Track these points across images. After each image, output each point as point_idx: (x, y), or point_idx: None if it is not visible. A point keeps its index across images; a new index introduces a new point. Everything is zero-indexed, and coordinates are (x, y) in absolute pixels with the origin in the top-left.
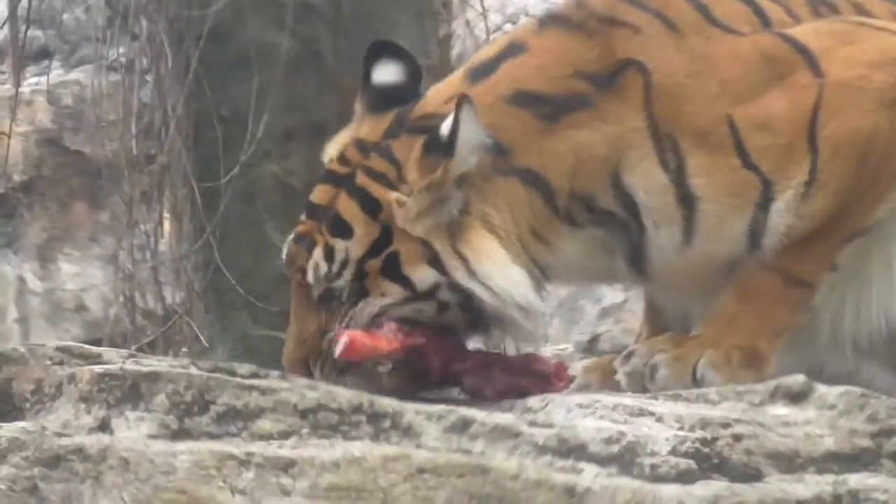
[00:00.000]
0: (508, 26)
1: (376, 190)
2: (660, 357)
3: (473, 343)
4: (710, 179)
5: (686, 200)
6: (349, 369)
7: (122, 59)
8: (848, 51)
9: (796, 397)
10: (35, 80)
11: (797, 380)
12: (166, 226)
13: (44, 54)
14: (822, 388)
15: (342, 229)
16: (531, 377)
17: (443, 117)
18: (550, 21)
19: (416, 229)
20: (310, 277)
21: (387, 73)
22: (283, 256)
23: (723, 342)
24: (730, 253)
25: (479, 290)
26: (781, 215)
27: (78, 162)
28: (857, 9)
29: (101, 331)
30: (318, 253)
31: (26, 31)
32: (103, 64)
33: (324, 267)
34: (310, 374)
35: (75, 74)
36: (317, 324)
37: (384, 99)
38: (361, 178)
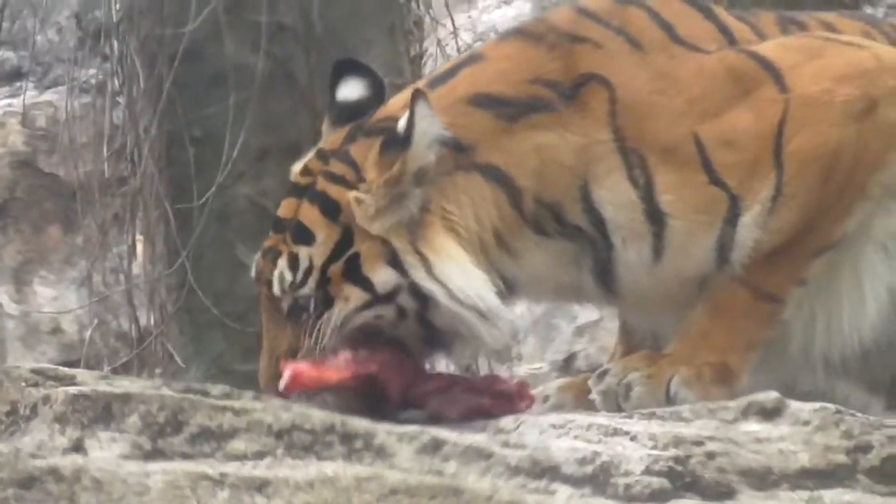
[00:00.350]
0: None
1: (335, 192)
2: (634, 375)
3: (435, 366)
4: (678, 196)
5: (655, 217)
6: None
7: (94, 81)
8: (814, 65)
9: (769, 413)
10: (8, 101)
11: (770, 396)
12: (139, 248)
13: (16, 76)
14: (795, 405)
15: (304, 236)
16: (494, 397)
17: (396, 120)
18: (510, 34)
19: (375, 227)
20: (276, 289)
21: (350, 89)
22: (252, 274)
23: (695, 359)
24: (699, 269)
25: (437, 291)
26: (749, 230)
27: (52, 184)
28: (828, 28)
29: (77, 353)
30: (282, 263)
31: None
32: (75, 85)
33: (288, 276)
34: (285, 394)
35: (48, 96)
36: (288, 339)
37: (348, 114)
38: (321, 184)
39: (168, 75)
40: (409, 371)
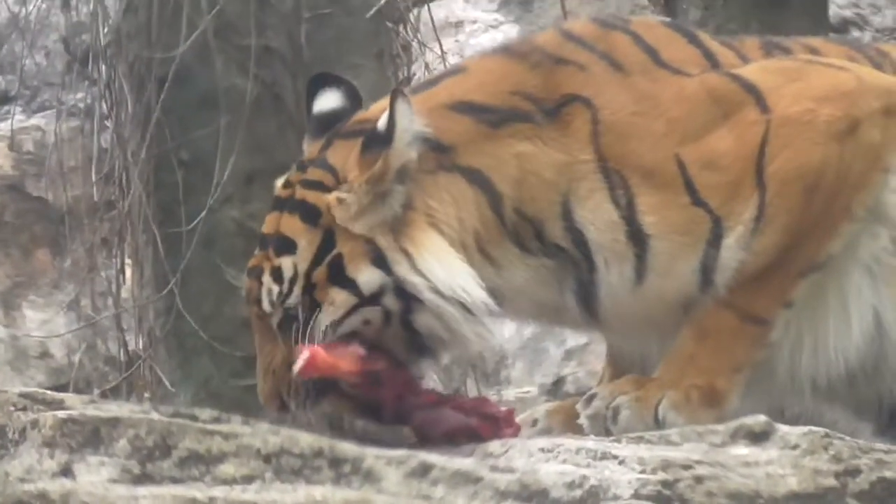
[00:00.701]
0: None
1: (313, 197)
2: (622, 399)
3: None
4: (660, 217)
5: (637, 238)
6: (323, 398)
7: (82, 105)
8: (795, 87)
9: (758, 437)
10: None
11: (758, 420)
12: (128, 272)
13: (4, 100)
14: (784, 428)
15: (286, 246)
16: (482, 419)
17: (374, 122)
18: (494, 50)
19: (358, 226)
20: (265, 305)
21: (326, 101)
22: (243, 294)
23: (682, 382)
24: (682, 291)
25: (420, 285)
26: (733, 251)
27: (40, 208)
28: (812, 52)
29: (65, 377)
30: (266, 278)
31: None
32: (63, 109)
33: (275, 289)
34: (285, 407)
35: (36, 120)
36: (281, 354)
37: (325, 124)
38: (300, 192)
39: (156, 99)
40: (403, 382)
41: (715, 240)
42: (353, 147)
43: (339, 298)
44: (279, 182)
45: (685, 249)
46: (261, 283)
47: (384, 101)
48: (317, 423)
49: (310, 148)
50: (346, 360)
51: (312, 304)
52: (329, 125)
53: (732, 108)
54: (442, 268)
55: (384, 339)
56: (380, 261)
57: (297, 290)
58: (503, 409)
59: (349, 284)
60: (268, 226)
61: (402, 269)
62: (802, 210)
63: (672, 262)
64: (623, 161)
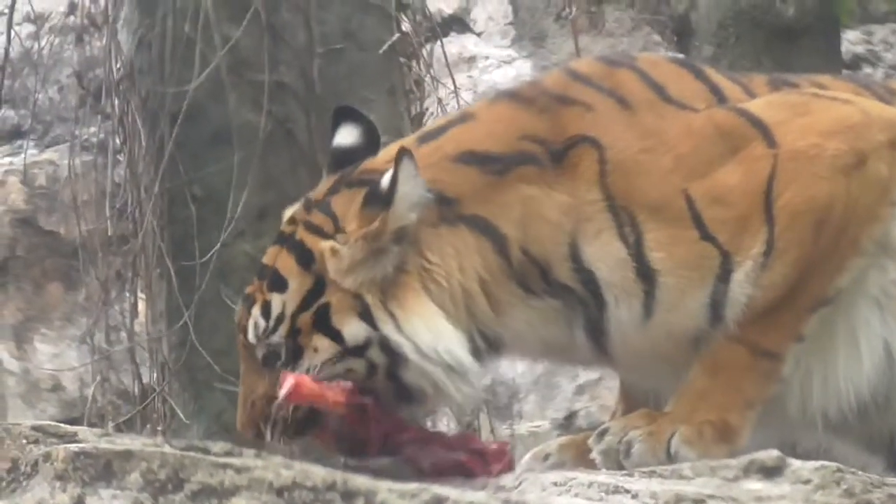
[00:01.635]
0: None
1: (311, 241)
2: (634, 434)
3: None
4: (669, 252)
5: (646, 274)
6: (302, 433)
7: (95, 139)
8: (802, 121)
9: (770, 472)
10: (8, 160)
11: (771, 455)
12: (141, 306)
13: (17, 134)
14: (796, 463)
15: (278, 283)
16: (470, 454)
17: (382, 173)
18: (501, 96)
19: (348, 281)
20: (250, 336)
21: (345, 135)
22: (236, 319)
23: (694, 417)
24: (692, 326)
25: (405, 346)
26: (742, 286)
27: (52, 242)
28: (820, 89)
29: (77, 410)
30: (255, 311)
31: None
32: (76, 143)
33: (262, 323)
34: (262, 436)
35: (48, 154)
36: (263, 386)
37: (342, 160)
38: (300, 233)
39: (169, 134)
40: (390, 418)
41: (724, 275)
42: (356, 197)
43: (322, 346)
44: (287, 214)
45: (694, 284)
46: (249, 315)
47: (393, 149)
48: (300, 454)
49: (322, 184)
50: (333, 391)
51: (296, 348)
52: (345, 161)
53: (740, 142)
54: (425, 331)
55: (369, 386)
56: (366, 316)
57: (282, 329)
58: (496, 443)
59: (333, 334)
60: (268, 257)
61: (387, 328)
62: (811, 244)
63: (681, 297)
64: (630, 198)
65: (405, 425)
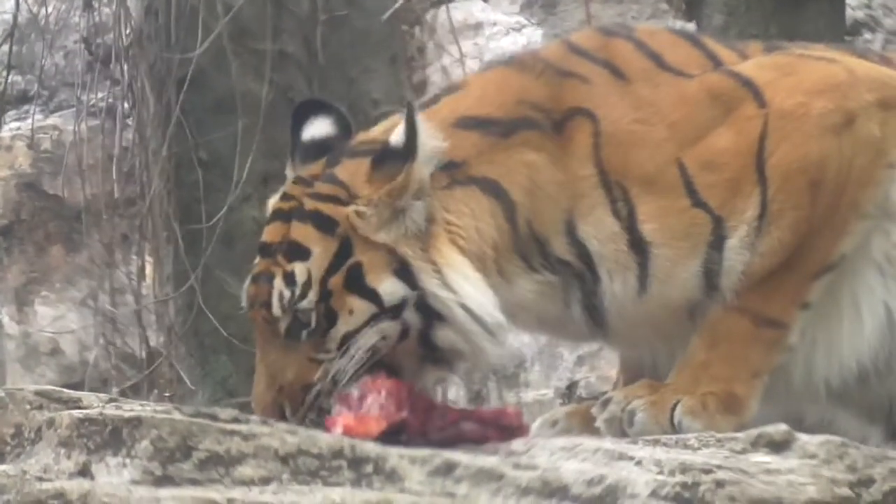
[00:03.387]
0: None
1: (328, 209)
2: (637, 403)
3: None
4: (660, 224)
5: (638, 247)
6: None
7: (101, 104)
8: (788, 81)
9: (778, 446)
10: (15, 124)
11: (779, 429)
12: (148, 269)
13: (23, 99)
14: (803, 437)
15: (299, 253)
16: (498, 431)
17: (380, 143)
18: (494, 64)
19: (381, 236)
20: (275, 308)
21: (317, 128)
22: (244, 301)
23: (697, 389)
24: (686, 297)
25: (450, 301)
26: (737, 253)
27: (56, 206)
28: None
29: (77, 375)
30: (278, 282)
31: (7, 77)
32: (83, 108)
33: (287, 293)
34: (283, 418)
35: (53, 119)
36: (290, 365)
37: (316, 152)
38: (310, 204)
39: (176, 100)
40: (423, 407)
41: (717, 242)
42: (362, 165)
43: (358, 307)
44: (273, 199)
45: (686, 254)
46: (270, 287)
47: (387, 124)
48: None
49: (306, 170)
50: (374, 422)
51: (329, 312)
52: (320, 152)
53: (731, 104)
54: (470, 285)
55: (395, 353)
56: (403, 272)
57: (311, 295)
58: (512, 411)
59: (369, 294)
60: (271, 235)
61: (432, 282)
62: (808, 207)
63: (673, 268)
64: (623, 172)
65: (440, 410)
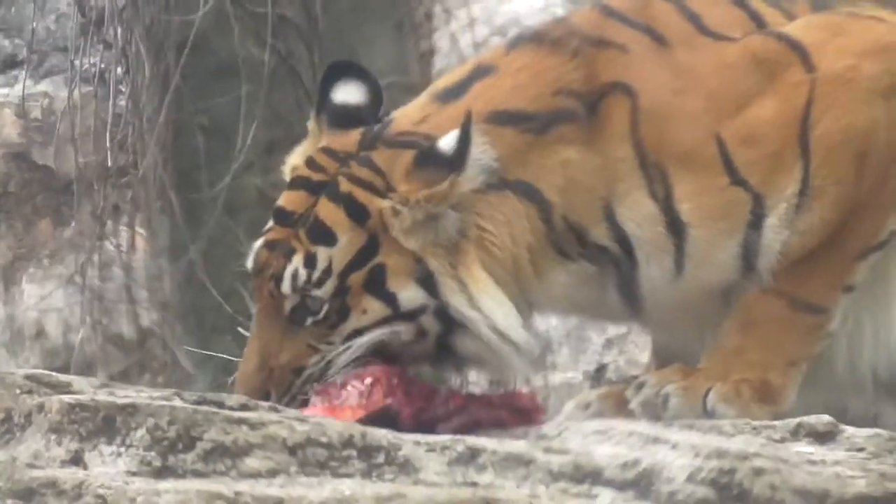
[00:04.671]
0: (497, 39)
1: (363, 196)
2: (670, 387)
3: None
4: (697, 203)
5: (675, 228)
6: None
7: (94, 70)
8: (838, 42)
9: (822, 437)
10: (3, 91)
11: (822, 419)
12: (140, 242)
13: (11, 64)
14: (849, 430)
15: (325, 236)
16: (511, 412)
17: (420, 136)
18: (521, 41)
19: (412, 242)
20: (285, 287)
21: (349, 93)
22: (250, 264)
23: (730, 376)
24: (722, 279)
25: (478, 321)
26: (776, 232)
27: (45, 178)
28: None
29: (60, 359)
30: (297, 260)
31: None
32: (76, 74)
33: (303, 275)
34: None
35: (44, 86)
36: (287, 348)
37: (345, 118)
38: (345, 185)
39: (176, 64)
40: (421, 394)
41: (756, 221)
42: (401, 157)
43: (372, 308)
44: (295, 160)
45: (723, 234)
46: (287, 262)
47: (411, 111)
48: None
49: (333, 138)
50: (351, 410)
51: (342, 308)
52: (349, 118)
53: (777, 69)
54: (497, 307)
55: (408, 350)
56: (426, 282)
57: (328, 285)
58: (528, 393)
59: (387, 297)
60: (292, 203)
61: (458, 300)
62: (853, 180)
63: (710, 249)
64: (661, 150)
65: (439, 396)
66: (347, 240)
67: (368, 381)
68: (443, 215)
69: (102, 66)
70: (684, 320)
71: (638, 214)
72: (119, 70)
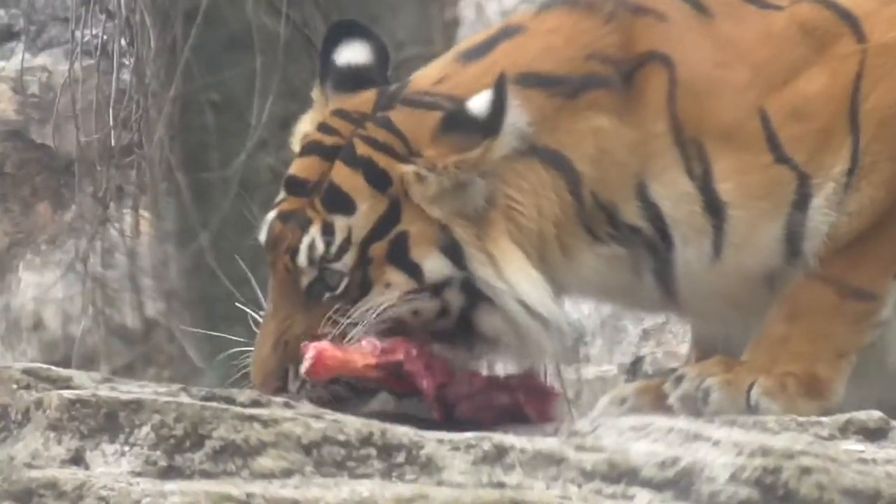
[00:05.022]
0: (525, 7)
1: (383, 161)
2: (711, 381)
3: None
4: (738, 182)
5: (714, 208)
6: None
7: (95, 42)
8: (890, 11)
9: (872, 434)
10: (0, 65)
11: (872, 415)
12: (142, 225)
13: (8, 36)
14: None
15: (343, 204)
16: (528, 394)
17: (441, 96)
18: (554, 3)
19: (436, 210)
20: (301, 259)
21: (354, 53)
22: (263, 238)
23: (775, 368)
24: (765, 264)
25: (505, 293)
26: (822, 213)
27: (44, 157)
28: None
29: (59, 352)
30: (314, 231)
31: None
32: (76, 46)
33: (320, 247)
34: (284, 389)
35: (42, 59)
36: (302, 323)
37: (352, 80)
38: (363, 148)
39: (184, 35)
40: (443, 369)
41: (801, 201)
42: (424, 118)
43: (396, 281)
44: (306, 126)
45: (766, 216)
46: (303, 234)
47: (431, 70)
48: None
49: (343, 100)
50: (360, 355)
51: (364, 281)
52: (357, 82)
53: (826, 39)
54: (526, 280)
55: (427, 328)
56: (452, 251)
57: (347, 258)
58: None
59: (411, 268)
60: (305, 170)
61: (486, 272)
62: None
63: (751, 231)
64: (700, 125)
65: (464, 376)
66: (368, 207)
67: (385, 341)
68: (471, 183)
69: (105, 37)
70: (725, 309)
71: (673, 193)
72: (123, 42)
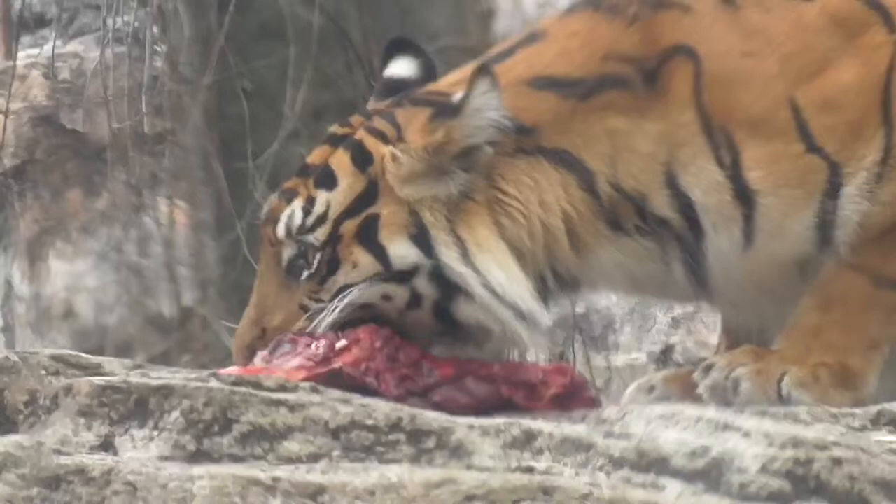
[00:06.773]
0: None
1: (371, 143)
2: (741, 371)
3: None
4: (769, 171)
5: (744, 196)
6: None
7: (127, 29)
8: None
9: None
10: (31, 51)
11: None
12: (178, 215)
13: (40, 23)
14: None
15: (327, 180)
16: (513, 386)
17: (449, 95)
18: (580, 6)
19: (406, 190)
20: (280, 229)
21: (401, 67)
22: (262, 214)
23: (807, 359)
24: (797, 252)
25: (469, 277)
26: (854, 202)
27: (75, 143)
28: None
29: (92, 341)
30: (297, 203)
31: None
32: (108, 33)
33: (298, 217)
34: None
35: (73, 46)
36: (280, 307)
37: (393, 89)
38: (360, 134)
39: (218, 23)
40: (408, 360)
41: (833, 190)
42: (420, 112)
43: (363, 262)
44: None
45: (797, 204)
46: (287, 205)
47: (454, 75)
48: None
49: (378, 103)
50: (285, 374)
51: (333, 258)
52: (397, 91)
53: (857, 29)
54: (496, 268)
55: (405, 319)
56: (420, 238)
57: (320, 232)
58: (546, 367)
59: (377, 251)
60: (314, 157)
61: (450, 255)
62: None
63: (783, 219)
64: (728, 115)
65: (432, 365)
66: (347, 184)
67: (323, 343)
68: (450, 173)
69: (136, 24)
70: (756, 297)
71: (703, 181)
72: (155, 29)
